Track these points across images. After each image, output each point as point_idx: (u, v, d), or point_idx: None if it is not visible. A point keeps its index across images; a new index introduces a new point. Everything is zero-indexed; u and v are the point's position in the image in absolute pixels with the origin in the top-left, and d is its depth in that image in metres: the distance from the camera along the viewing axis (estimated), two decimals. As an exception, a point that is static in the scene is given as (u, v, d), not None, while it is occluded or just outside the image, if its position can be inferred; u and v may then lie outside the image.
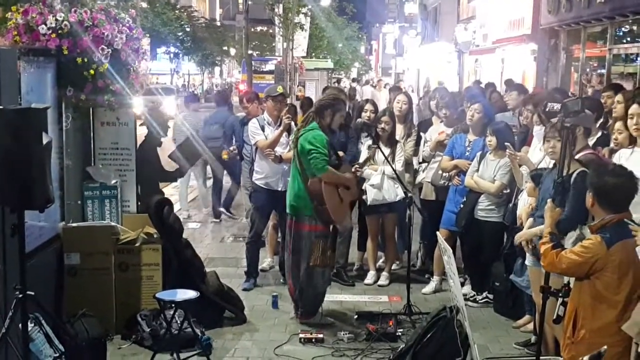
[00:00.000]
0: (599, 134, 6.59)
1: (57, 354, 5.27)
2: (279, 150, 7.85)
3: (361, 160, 7.92)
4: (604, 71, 15.98)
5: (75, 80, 6.32)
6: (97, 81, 6.34)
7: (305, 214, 6.82)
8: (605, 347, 3.18)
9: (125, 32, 6.49)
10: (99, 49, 6.26)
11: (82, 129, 6.80)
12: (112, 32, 6.35)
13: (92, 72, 6.28)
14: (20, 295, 4.66)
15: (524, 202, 6.34)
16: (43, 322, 5.28)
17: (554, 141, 5.55)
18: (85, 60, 6.24)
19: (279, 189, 7.88)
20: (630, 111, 5.50)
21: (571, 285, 4.43)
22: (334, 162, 6.86)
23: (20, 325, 4.74)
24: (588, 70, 17.45)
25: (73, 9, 6.24)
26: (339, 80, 45.24)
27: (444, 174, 7.86)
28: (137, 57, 6.70)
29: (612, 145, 6.14)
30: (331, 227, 6.94)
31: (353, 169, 7.40)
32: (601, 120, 6.87)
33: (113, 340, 6.33)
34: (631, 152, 5.37)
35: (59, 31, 6.15)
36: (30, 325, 4.97)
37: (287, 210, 7.00)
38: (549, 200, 4.74)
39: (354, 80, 50.52)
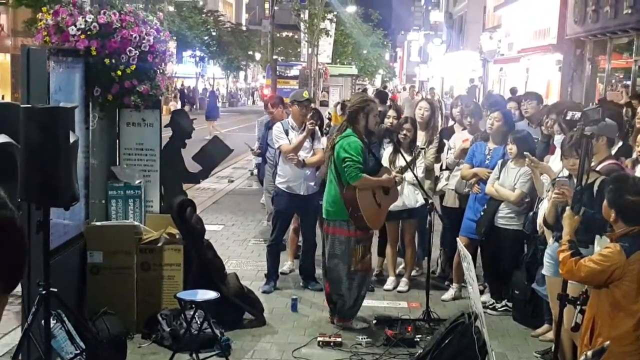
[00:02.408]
0: (620, 143, 6.58)
1: (78, 351, 5.33)
2: (302, 154, 7.90)
3: (384, 160, 7.94)
4: (629, 82, 15.90)
5: (102, 80, 6.41)
6: (124, 82, 6.42)
7: (343, 219, 6.85)
8: (609, 342, 3.18)
9: (153, 35, 6.57)
10: (127, 51, 6.35)
11: (108, 129, 6.89)
12: (140, 34, 6.44)
13: (119, 73, 6.37)
14: (44, 292, 4.73)
15: (545, 211, 6.33)
16: (65, 319, 5.34)
17: (572, 159, 5.57)
18: (113, 61, 6.34)
19: (301, 193, 7.93)
20: None
21: (589, 294, 4.43)
22: (373, 167, 6.89)
23: (42, 321, 4.81)
24: (613, 81, 17.37)
25: (102, 11, 6.33)
26: (365, 90, 45.35)
27: (467, 182, 7.87)
28: (163, 60, 6.77)
29: (635, 156, 6.13)
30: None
31: (393, 175, 7.40)
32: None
33: (133, 339, 6.39)
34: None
35: (88, 32, 6.25)
36: (52, 322, 5.04)
37: (324, 215, 7.04)
38: (567, 209, 4.75)
39: (385, 87, 50.66)
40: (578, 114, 4.93)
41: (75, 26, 6.23)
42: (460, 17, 46.80)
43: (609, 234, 4.41)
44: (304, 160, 7.89)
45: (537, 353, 6.43)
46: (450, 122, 10.15)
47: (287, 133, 8.00)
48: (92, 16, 6.29)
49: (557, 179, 5.88)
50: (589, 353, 3.13)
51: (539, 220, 6.43)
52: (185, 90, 48.60)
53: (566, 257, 4.38)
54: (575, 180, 5.44)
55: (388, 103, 11.62)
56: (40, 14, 6.46)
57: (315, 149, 8.02)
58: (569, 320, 4.67)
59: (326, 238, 6.99)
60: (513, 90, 20.27)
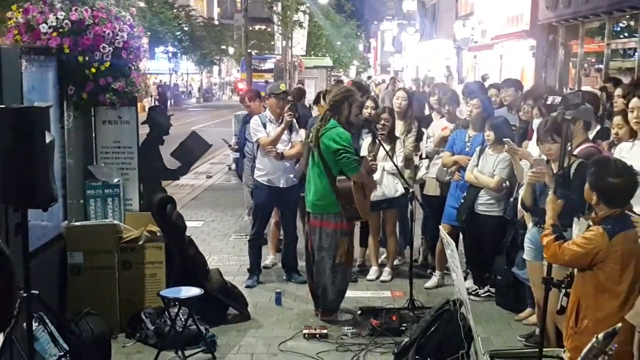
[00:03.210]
0: (598, 127, 6.62)
1: (62, 353, 5.28)
2: (280, 147, 7.87)
3: (363, 151, 7.92)
4: (602, 66, 16.01)
5: (76, 78, 6.34)
6: (99, 79, 6.35)
7: (331, 211, 6.82)
8: (620, 324, 3.20)
9: (127, 30, 6.50)
10: (100, 47, 6.27)
11: (83, 127, 6.81)
12: (113, 30, 6.36)
13: (93, 70, 6.29)
14: (25, 295, 4.67)
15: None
16: (47, 321, 5.29)
17: (548, 144, 5.60)
18: (87, 58, 6.26)
19: (281, 186, 7.91)
20: (630, 105, 5.52)
21: (573, 277, 4.46)
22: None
23: (24, 324, 4.76)
24: (586, 65, 17.48)
25: (74, 8, 6.24)
26: (340, 81, 45.39)
27: (448, 170, 7.88)
28: (138, 56, 6.70)
29: (612, 139, 6.17)
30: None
31: (370, 163, 7.39)
32: (599, 113, 6.90)
33: (117, 339, 6.34)
34: (632, 146, 5.39)
35: (60, 30, 6.17)
36: (34, 325, 4.98)
37: (309, 209, 7.00)
38: (550, 193, 4.77)
39: (369, 77, 50.81)
40: (558, 99, 4.94)
41: (47, 24, 6.14)
42: (433, 6, 46.92)
43: (592, 217, 4.44)
44: (282, 152, 7.86)
45: (521, 337, 6.47)
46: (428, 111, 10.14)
47: (265, 126, 7.97)
48: (64, 13, 6.20)
49: (535, 160, 5.91)
50: (600, 336, 3.14)
51: (519, 205, 6.45)
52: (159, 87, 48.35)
53: (550, 241, 4.41)
54: (552, 165, 5.48)
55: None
56: (10, 12, 6.34)
57: (293, 141, 7.99)
58: (554, 304, 4.69)
59: (313, 232, 6.96)
60: (484, 77, 20.37)
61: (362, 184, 6.85)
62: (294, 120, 8.11)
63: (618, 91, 6.74)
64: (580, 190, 4.48)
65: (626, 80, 10.77)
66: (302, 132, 8.25)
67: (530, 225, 6.04)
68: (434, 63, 39.57)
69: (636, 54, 14.43)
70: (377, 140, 7.74)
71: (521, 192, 6.54)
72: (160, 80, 51.12)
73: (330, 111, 6.96)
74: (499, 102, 8.56)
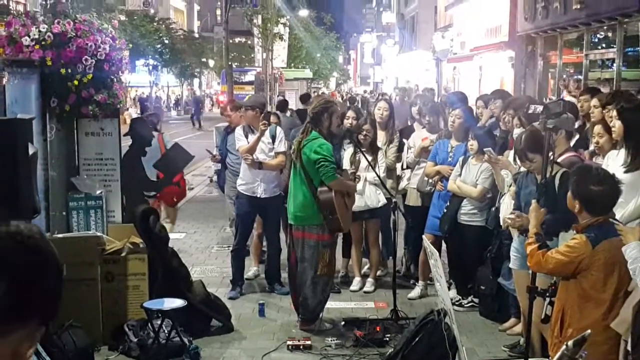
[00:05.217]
0: (577, 136, 6.68)
1: (45, 366, 5.24)
2: (261, 157, 7.89)
3: (346, 165, 7.92)
4: (580, 77, 16.15)
5: (59, 91, 6.33)
6: (81, 92, 6.34)
7: (312, 223, 6.84)
8: (589, 331, 3.22)
9: (109, 43, 6.50)
10: (83, 60, 6.26)
11: (66, 139, 6.79)
12: (95, 42, 6.36)
13: (75, 82, 6.29)
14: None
15: (507, 206, 6.39)
16: (30, 334, 5.23)
17: (527, 162, 5.64)
18: (69, 71, 6.25)
19: (259, 195, 7.92)
20: (611, 124, 5.60)
21: (558, 285, 4.48)
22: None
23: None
24: (565, 76, 17.62)
25: (56, 20, 6.24)
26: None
27: (430, 180, 7.91)
28: (120, 68, 6.70)
29: (592, 148, 6.22)
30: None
31: (350, 174, 7.41)
32: (579, 122, 6.96)
33: (100, 351, 6.30)
34: (617, 153, 5.44)
35: (42, 42, 6.17)
36: (17, 337, 4.94)
37: (291, 221, 7.02)
38: (533, 201, 4.80)
39: (365, 92, 51.05)
40: (540, 108, 5.00)
41: (29, 37, 6.15)
42: (412, 18, 47.20)
43: (575, 226, 4.46)
44: (260, 162, 7.87)
45: (505, 347, 6.48)
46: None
47: (247, 136, 8.00)
48: (46, 26, 6.21)
49: (515, 176, 5.94)
50: (570, 343, 3.15)
51: (502, 215, 6.48)
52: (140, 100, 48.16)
53: (534, 250, 4.44)
54: (537, 176, 5.50)
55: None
56: (-7, 25, 6.34)
57: (276, 151, 8.00)
58: (539, 313, 4.72)
59: (296, 243, 6.97)
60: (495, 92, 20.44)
61: (343, 194, 6.87)
62: (279, 127, 8.15)
63: (594, 102, 6.79)
64: (565, 201, 4.51)
65: (605, 91, 10.85)
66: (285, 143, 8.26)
67: (516, 234, 6.06)
68: (414, 74, 39.71)
69: (614, 64, 14.57)
70: (359, 151, 7.77)
71: (502, 201, 6.59)
72: (143, 93, 51.01)
73: (311, 123, 6.99)
74: (486, 115, 8.45)
